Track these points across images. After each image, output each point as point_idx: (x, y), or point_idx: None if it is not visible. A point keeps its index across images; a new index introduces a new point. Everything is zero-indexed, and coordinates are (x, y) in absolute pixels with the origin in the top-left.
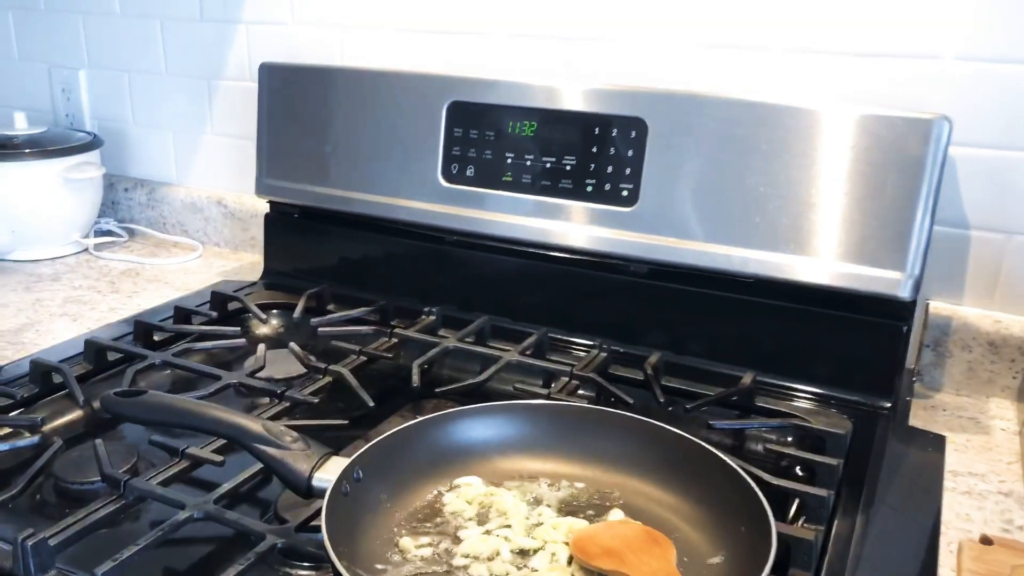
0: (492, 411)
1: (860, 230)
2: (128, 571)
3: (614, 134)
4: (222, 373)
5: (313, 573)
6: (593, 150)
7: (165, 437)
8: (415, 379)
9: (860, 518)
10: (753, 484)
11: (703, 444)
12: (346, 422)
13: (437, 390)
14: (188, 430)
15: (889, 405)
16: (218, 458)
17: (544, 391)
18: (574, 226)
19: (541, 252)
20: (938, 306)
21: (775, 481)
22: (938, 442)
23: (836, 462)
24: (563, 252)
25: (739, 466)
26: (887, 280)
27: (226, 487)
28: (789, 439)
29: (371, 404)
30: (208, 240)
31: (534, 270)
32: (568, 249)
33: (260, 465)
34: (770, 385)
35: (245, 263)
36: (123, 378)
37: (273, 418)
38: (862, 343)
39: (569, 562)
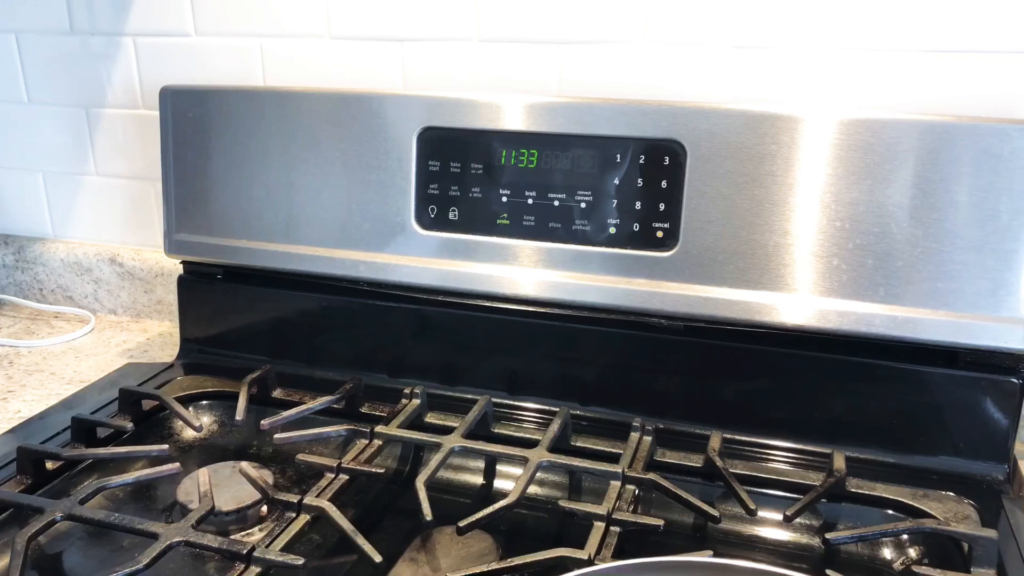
0: None
1: (961, 269)
2: None
3: (642, 161)
4: (158, 528)
5: None
6: (615, 182)
7: None
8: (426, 510)
9: None
10: None
11: None
12: None
13: (460, 524)
14: None
15: (1003, 477)
16: None
17: (599, 509)
18: (593, 278)
19: (549, 311)
20: None
21: None
22: None
23: None
24: (577, 310)
25: None
26: (997, 330)
27: None
28: (905, 542)
29: (378, 560)
30: (101, 308)
31: (541, 333)
32: (585, 307)
33: None
34: (857, 461)
35: (152, 335)
36: (11, 551)
37: None
38: (967, 404)
39: None
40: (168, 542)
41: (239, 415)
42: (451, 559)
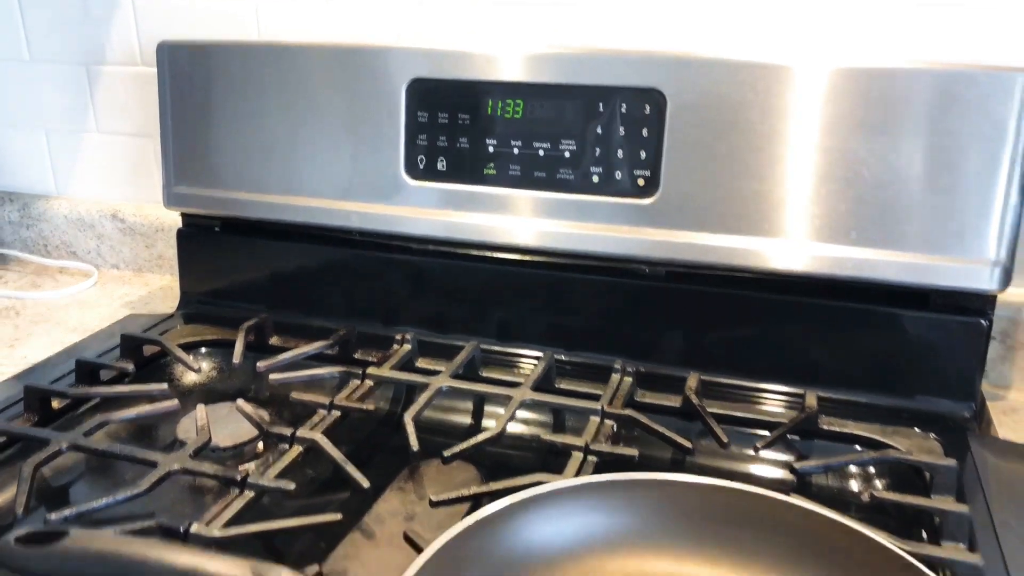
0: (565, 498)
1: (931, 213)
2: None
3: (624, 110)
4: (157, 456)
5: None
6: (598, 131)
7: None
8: (413, 442)
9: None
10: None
11: (842, 522)
12: (339, 516)
13: (445, 454)
14: None
15: (970, 415)
16: None
17: (577, 440)
18: (576, 225)
19: (535, 259)
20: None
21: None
22: None
23: (965, 510)
24: (562, 257)
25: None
26: (967, 271)
27: None
28: (873, 474)
29: (366, 485)
30: (104, 263)
31: (527, 281)
32: (569, 254)
33: None
34: (829, 401)
35: (154, 288)
36: (18, 478)
37: (239, 515)
38: (935, 344)
39: None
40: (167, 469)
41: (236, 358)
42: (436, 488)
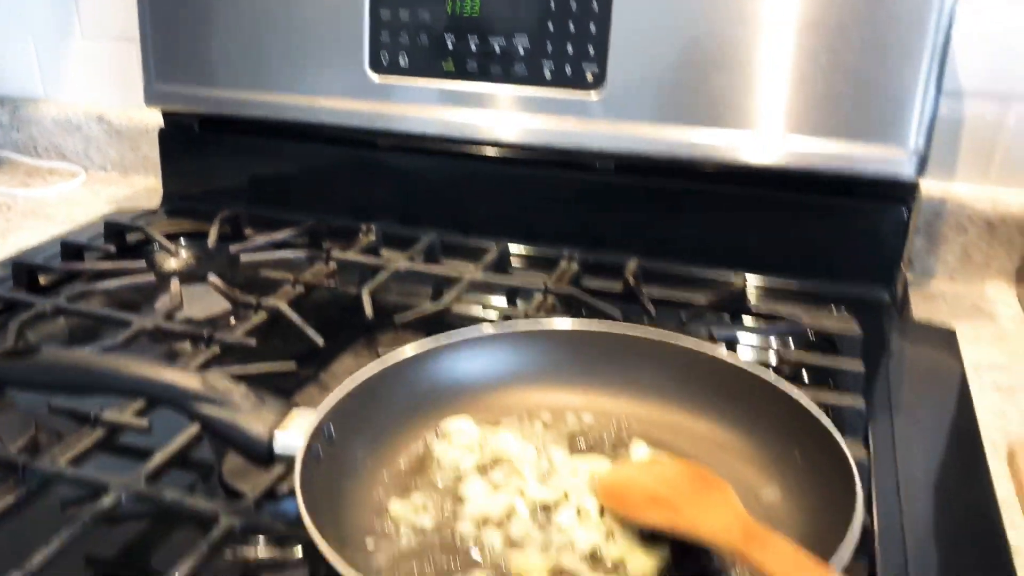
0: (478, 344)
1: (854, 103)
2: None
3: (574, 7)
4: (131, 317)
5: (277, 551)
6: (549, 26)
7: (70, 400)
8: (368, 309)
9: (890, 427)
10: (808, 402)
11: (732, 360)
12: (293, 365)
13: (398, 320)
14: (101, 394)
15: (890, 298)
16: (142, 422)
17: (517, 311)
18: (531, 118)
19: (493, 153)
20: (929, 185)
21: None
22: (950, 337)
23: (861, 368)
24: (519, 151)
25: (781, 382)
26: (886, 158)
27: (158, 458)
28: (791, 345)
29: (320, 343)
30: (91, 164)
31: (485, 173)
32: (525, 147)
33: (194, 426)
34: (760, 287)
35: (139, 188)
36: (5, 333)
37: (203, 368)
38: (859, 231)
39: (601, 513)
40: (140, 326)
41: (210, 242)
42: (389, 350)
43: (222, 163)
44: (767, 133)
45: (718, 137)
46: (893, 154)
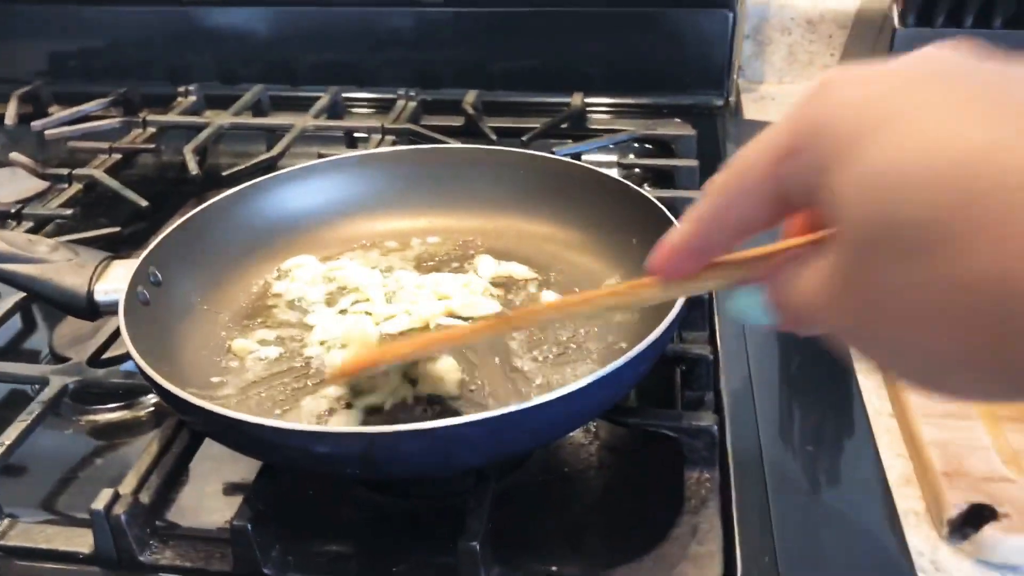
0: (307, 173)
1: None
2: None
3: None
4: None
5: (124, 413)
6: None
7: None
8: (192, 166)
9: None
10: (638, 189)
11: (566, 159)
12: (118, 229)
13: (225, 174)
14: None
15: (722, 103)
16: None
17: (357, 153)
18: None
19: None
20: None
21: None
22: None
23: (695, 164)
24: None
25: (614, 177)
26: None
27: None
28: (633, 155)
29: (144, 204)
30: None
31: (306, 21)
32: None
33: (16, 295)
34: (598, 105)
35: None
36: None
37: None
38: (687, 41)
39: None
40: None
41: (8, 120)
42: None
43: (10, 38)
44: None
45: None
46: None
